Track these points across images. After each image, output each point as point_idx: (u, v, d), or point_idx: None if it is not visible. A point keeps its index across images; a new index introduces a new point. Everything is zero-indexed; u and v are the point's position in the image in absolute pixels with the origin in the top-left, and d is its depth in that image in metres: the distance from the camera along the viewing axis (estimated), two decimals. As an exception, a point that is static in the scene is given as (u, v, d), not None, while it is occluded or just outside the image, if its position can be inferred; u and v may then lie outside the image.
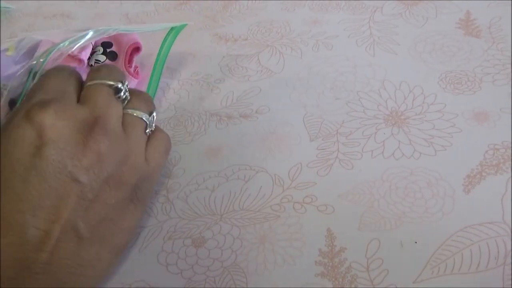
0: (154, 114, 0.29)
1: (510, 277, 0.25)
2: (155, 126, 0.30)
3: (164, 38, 0.38)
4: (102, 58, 0.36)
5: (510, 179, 0.29)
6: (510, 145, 0.30)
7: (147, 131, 0.28)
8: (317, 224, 0.29)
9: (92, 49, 0.36)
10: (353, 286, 0.26)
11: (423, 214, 0.28)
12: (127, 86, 0.28)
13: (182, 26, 0.36)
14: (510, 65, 0.35)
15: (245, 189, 0.31)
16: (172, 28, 0.36)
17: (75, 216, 0.23)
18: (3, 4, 0.54)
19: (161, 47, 0.37)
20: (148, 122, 0.28)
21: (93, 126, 0.24)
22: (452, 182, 0.29)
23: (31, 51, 0.34)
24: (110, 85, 0.27)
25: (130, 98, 0.28)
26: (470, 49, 0.37)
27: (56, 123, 0.23)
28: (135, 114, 0.27)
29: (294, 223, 0.29)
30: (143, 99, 0.29)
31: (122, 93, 0.27)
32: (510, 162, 0.29)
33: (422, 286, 0.25)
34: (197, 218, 0.30)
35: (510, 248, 0.25)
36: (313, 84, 0.38)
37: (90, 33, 0.31)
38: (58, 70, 0.27)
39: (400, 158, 0.31)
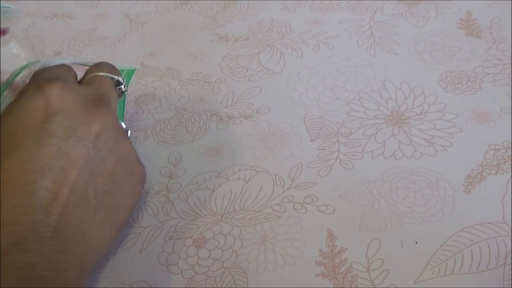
0: None
1: (510, 277, 0.25)
2: None
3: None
4: None
5: (511, 179, 0.29)
6: (510, 145, 0.30)
7: None
8: (317, 224, 0.29)
9: None
10: (353, 286, 0.26)
11: (423, 214, 0.28)
12: (125, 83, 0.30)
13: (132, 71, 0.35)
14: (510, 65, 0.35)
15: (246, 189, 0.31)
16: (120, 70, 0.35)
17: (84, 181, 0.24)
18: (3, 4, 0.54)
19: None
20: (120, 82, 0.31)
21: (99, 101, 0.26)
22: (452, 182, 0.29)
23: None
24: (112, 78, 0.30)
25: None
26: (470, 49, 0.38)
27: (65, 95, 0.25)
28: (109, 75, 0.30)
29: (295, 223, 0.29)
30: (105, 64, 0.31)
31: (122, 86, 0.30)
32: (510, 162, 0.29)
33: (423, 286, 0.25)
34: (197, 218, 0.30)
35: (510, 248, 0.25)
36: (313, 84, 0.38)
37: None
38: (57, 64, 0.29)
39: (400, 158, 0.31)
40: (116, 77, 0.30)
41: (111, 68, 0.31)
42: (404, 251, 0.26)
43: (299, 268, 0.27)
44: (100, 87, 0.28)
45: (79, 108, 0.25)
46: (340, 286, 0.26)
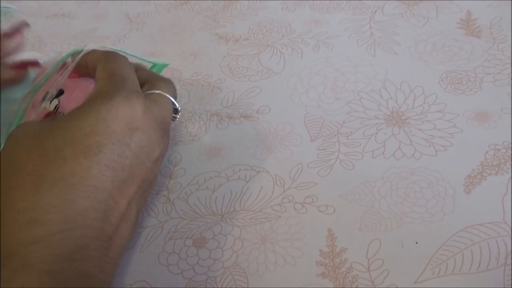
0: None
1: (510, 277, 0.25)
2: None
3: None
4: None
5: (511, 179, 0.29)
6: (510, 145, 0.30)
7: None
8: (318, 224, 0.29)
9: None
10: (354, 286, 0.26)
11: (423, 214, 0.28)
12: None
13: (164, 65, 0.36)
14: (510, 65, 0.35)
15: (246, 189, 0.31)
16: (154, 65, 0.35)
17: (135, 198, 0.25)
18: (3, 4, 0.54)
19: None
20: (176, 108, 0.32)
21: (166, 129, 0.28)
22: (452, 182, 0.29)
23: None
24: (173, 104, 0.30)
25: None
26: (470, 49, 0.37)
27: (147, 114, 0.26)
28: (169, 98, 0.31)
29: (295, 224, 0.29)
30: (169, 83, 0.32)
31: (178, 116, 0.31)
32: (510, 162, 0.29)
33: (423, 286, 0.25)
34: (198, 219, 0.30)
35: (510, 248, 0.25)
36: (313, 84, 0.38)
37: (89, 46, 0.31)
38: (125, 59, 0.29)
39: (400, 158, 0.31)
40: (176, 105, 0.30)
41: (175, 91, 0.31)
42: (404, 251, 0.26)
43: (299, 268, 0.27)
44: (166, 111, 0.29)
45: (153, 131, 0.26)
46: (340, 286, 0.26)
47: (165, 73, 0.42)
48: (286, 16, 0.45)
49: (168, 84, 0.31)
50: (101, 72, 0.28)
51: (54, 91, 0.30)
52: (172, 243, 0.29)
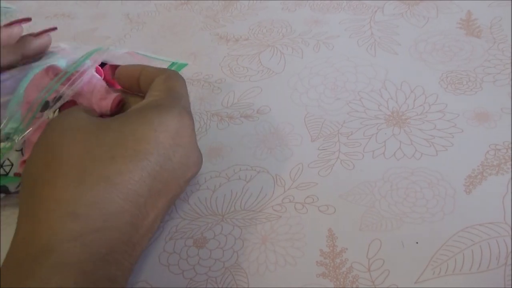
0: None
1: (511, 277, 0.25)
2: None
3: None
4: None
5: (511, 180, 0.29)
6: (511, 145, 0.30)
7: None
8: (318, 224, 0.29)
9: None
10: (354, 286, 0.26)
11: (424, 215, 0.28)
12: None
13: (183, 65, 0.37)
14: (510, 65, 0.35)
15: (247, 190, 0.31)
16: (172, 63, 0.36)
17: (161, 213, 0.26)
18: (3, 4, 0.54)
19: None
20: None
21: (199, 151, 0.29)
22: (453, 182, 0.29)
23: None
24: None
25: None
26: (471, 49, 0.38)
27: (190, 133, 0.27)
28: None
29: (296, 224, 0.29)
30: None
31: None
32: (511, 162, 0.29)
33: (424, 287, 0.25)
34: (198, 219, 0.30)
35: (511, 249, 0.26)
36: (314, 84, 0.38)
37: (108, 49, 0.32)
38: (183, 80, 0.30)
39: (401, 158, 0.31)
40: None
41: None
42: (404, 251, 0.26)
43: (300, 268, 0.27)
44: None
45: (194, 151, 0.27)
46: (341, 286, 0.26)
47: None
48: (286, 16, 0.45)
49: (187, 98, 0.30)
50: (159, 85, 0.28)
51: (56, 102, 0.30)
52: (173, 243, 0.29)
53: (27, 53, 0.32)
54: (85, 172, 0.22)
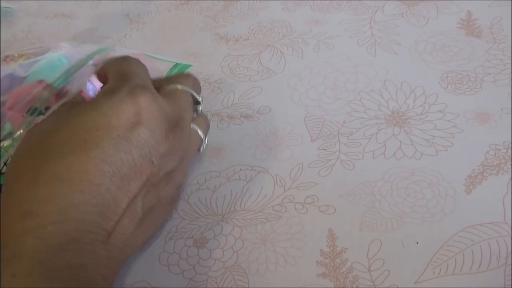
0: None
1: (511, 277, 0.25)
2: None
3: (168, 73, 0.37)
4: None
5: (511, 180, 0.29)
6: (511, 145, 0.30)
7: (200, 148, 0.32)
8: (318, 224, 0.29)
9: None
10: (354, 286, 0.26)
11: (424, 215, 0.28)
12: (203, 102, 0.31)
13: (187, 66, 0.37)
14: (511, 65, 0.35)
15: (247, 189, 0.31)
16: (176, 64, 0.36)
17: (139, 196, 0.25)
18: (4, 4, 0.54)
19: None
20: (203, 140, 0.31)
21: (176, 124, 0.27)
22: (453, 182, 0.29)
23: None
24: (193, 96, 0.30)
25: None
26: (471, 49, 0.38)
27: (152, 109, 0.25)
28: (199, 131, 0.31)
29: (296, 224, 0.29)
30: (205, 119, 0.32)
31: (199, 107, 0.31)
32: (511, 162, 0.29)
33: (424, 287, 0.25)
34: (198, 219, 0.30)
35: (511, 248, 0.26)
36: (314, 84, 0.38)
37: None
38: (137, 60, 0.29)
39: (401, 158, 0.31)
40: (197, 97, 0.30)
41: (195, 83, 0.31)
42: (405, 251, 0.26)
43: (300, 268, 0.27)
44: (179, 105, 0.28)
45: (159, 125, 0.26)
46: (341, 286, 0.26)
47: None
48: (286, 16, 0.45)
49: (186, 78, 0.30)
50: (110, 73, 0.28)
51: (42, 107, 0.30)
52: (173, 243, 0.29)
53: None
54: (38, 173, 0.23)
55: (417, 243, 0.27)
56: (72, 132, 0.24)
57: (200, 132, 0.30)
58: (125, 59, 0.29)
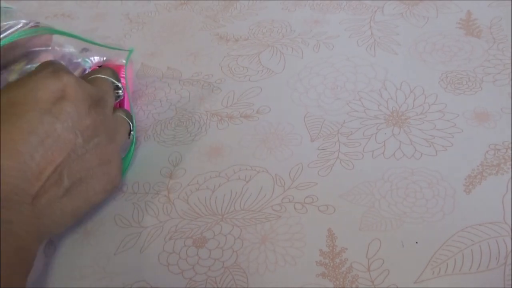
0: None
1: (510, 277, 0.25)
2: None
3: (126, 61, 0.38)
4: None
5: (511, 179, 0.29)
6: (510, 145, 0.30)
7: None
8: (318, 224, 0.29)
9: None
10: (354, 286, 0.26)
11: (424, 214, 0.28)
12: (122, 88, 0.34)
13: (131, 51, 0.38)
14: (510, 65, 0.35)
15: (246, 189, 0.31)
16: (131, 50, 0.38)
17: (64, 165, 0.27)
18: (3, 4, 0.54)
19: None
20: (131, 126, 0.35)
21: (98, 101, 0.30)
22: (453, 182, 0.29)
23: None
24: (113, 82, 0.33)
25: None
26: (470, 49, 0.38)
27: (76, 87, 0.28)
28: (125, 117, 0.34)
29: (295, 223, 0.29)
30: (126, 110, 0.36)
31: (120, 91, 0.34)
32: (511, 162, 0.29)
33: (423, 286, 0.25)
34: (198, 218, 0.30)
35: (511, 248, 0.26)
36: (314, 84, 0.38)
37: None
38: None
39: (401, 158, 0.31)
40: (116, 82, 0.33)
41: (113, 73, 0.34)
42: (404, 251, 0.26)
43: (299, 268, 0.27)
44: (100, 87, 0.31)
45: (83, 102, 0.28)
46: (340, 286, 0.26)
47: (166, 73, 0.42)
48: (286, 16, 0.45)
49: (105, 69, 0.33)
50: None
51: None
52: (172, 243, 0.29)
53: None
54: None
55: (416, 243, 0.27)
56: (2, 106, 0.26)
57: (124, 116, 0.34)
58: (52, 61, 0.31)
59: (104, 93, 0.31)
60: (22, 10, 0.54)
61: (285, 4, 0.47)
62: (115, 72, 0.34)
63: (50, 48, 0.35)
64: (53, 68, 0.28)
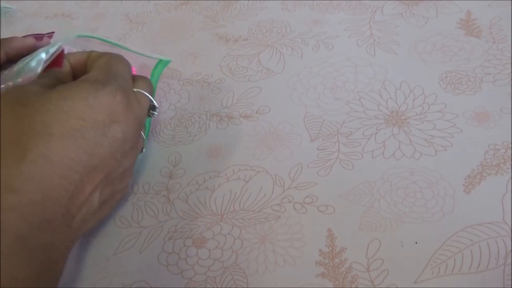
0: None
1: (510, 277, 0.25)
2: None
3: (153, 71, 0.38)
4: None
5: (511, 179, 0.29)
6: (510, 145, 0.30)
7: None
8: (317, 224, 0.29)
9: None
10: (353, 286, 0.26)
11: (423, 214, 0.28)
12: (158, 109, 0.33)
13: (168, 61, 0.38)
14: (510, 65, 0.35)
15: (246, 189, 0.31)
16: (160, 61, 0.37)
17: (98, 187, 0.27)
18: (3, 4, 0.54)
19: (151, 78, 0.37)
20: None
21: (140, 125, 0.30)
22: (452, 182, 0.29)
23: None
24: (151, 101, 0.32)
25: None
26: (470, 49, 0.37)
27: (128, 111, 0.27)
28: (142, 133, 0.32)
29: (295, 224, 0.29)
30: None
31: (156, 113, 0.33)
32: (510, 162, 0.29)
33: (423, 286, 0.25)
34: (197, 219, 0.30)
35: (510, 248, 0.25)
36: (313, 84, 0.38)
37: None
38: (125, 61, 0.31)
39: (400, 158, 0.31)
40: (154, 102, 0.32)
41: (150, 88, 0.32)
42: (404, 251, 0.26)
43: (299, 268, 0.27)
44: (144, 109, 0.30)
45: (130, 126, 0.28)
46: (340, 286, 0.26)
47: (165, 73, 0.42)
48: (286, 16, 0.45)
49: (146, 82, 0.32)
50: (100, 63, 0.29)
51: None
52: (172, 243, 0.29)
53: (10, 51, 0.33)
54: (25, 150, 0.23)
55: (416, 243, 0.27)
56: (59, 115, 0.25)
57: (142, 133, 0.32)
58: (115, 57, 0.30)
59: (144, 114, 0.30)
60: (22, 10, 0.54)
61: (285, 4, 0.47)
62: (150, 86, 0.33)
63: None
64: (115, 86, 0.27)
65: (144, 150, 0.34)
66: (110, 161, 0.27)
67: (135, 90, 0.30)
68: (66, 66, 0.32)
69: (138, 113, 0.29)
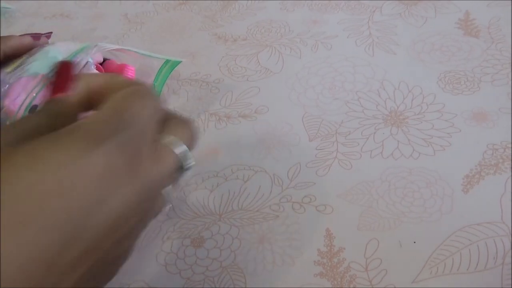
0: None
1: (509, 276, 0.25)
2: None
3: (159, 69, 0.37)
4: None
5: (509, 179, 0.29)
6: (509, 145, 0.30)
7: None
8: (316, 224, 0.29)
9: None
10: (351, 286, 0.26)
11: (422, 214, 0.28)
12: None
13: (177, 62, 0.37)
14: (509, 65, 0.35)
15: (244, 189, 0.31)
16: (167, 61, 0.36)
17: (104, 250, 0.20)
18: (3, 4, 0.54)
19: (157, 78, 0.37)
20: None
21: (155, 191, 0.22)
22: (451, 182, 0.29)
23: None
24: (185, 154, 0.24)
25: None
26: (469, 49, 0.38)
27: (133, 176, 0.20)
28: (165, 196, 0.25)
29: (293, 223, 0.29)
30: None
31: (188, 172, 0.25)
32: (509, 162, 0.29)
33: (421, 286, 0.25)
34: (196, 218, 0.30)
35: (509, 248, 0.25)
36: (312, 84, 0.38)
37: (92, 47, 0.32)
38: (150, 96, 0.23)
39: (399, 158, 0.31)
40: (191, 160, 0.24)
41: (189, 135, 0.24)
42: (402, 251, 0.26)
43: (297, 268, 0.27)
44: (162, 170, 0.22)
45: (134, 198, 0.20)
46: (338, 286, 0.26)
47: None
48: (284, 16, 0.45)
49: (184, 126, 0.24)
50: (114, 100, 0.21)
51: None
52: (170, 243, 0.29)
53: (7, 50, 0.32)
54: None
55: (414, 242, 0.27)
56: (16, 198, 0.17)
57: (167, 197, 0.25)
58: (138, 93, 0.22)
59: (162, 183, 0.23)
60: (21, 10, 0.54)
61: (284, 4, 0.47)
62: (192, 134, 0.24)
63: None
64: (114, 142, 0.19)
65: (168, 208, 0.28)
66: (93, 255, 0.19)
67: (166, 138, 0.23)
68: (79, 92, 0.23)
69: (152, 177, 0.21)
